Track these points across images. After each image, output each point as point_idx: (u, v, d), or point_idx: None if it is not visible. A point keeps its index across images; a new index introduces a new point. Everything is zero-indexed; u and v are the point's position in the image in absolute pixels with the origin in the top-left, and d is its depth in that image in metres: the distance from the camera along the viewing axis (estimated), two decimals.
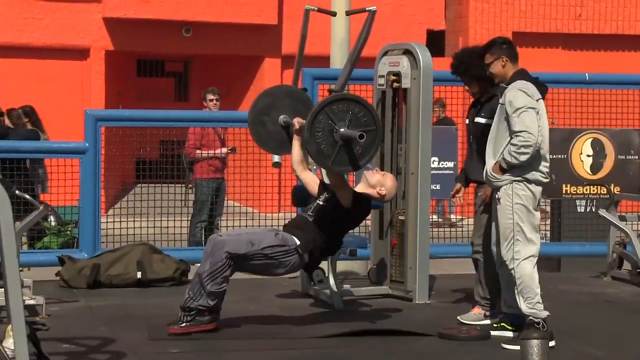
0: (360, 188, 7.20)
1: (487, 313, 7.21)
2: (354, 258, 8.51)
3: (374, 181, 7.17)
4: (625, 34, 17.38)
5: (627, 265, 9.28)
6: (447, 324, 7.05)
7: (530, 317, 6.38)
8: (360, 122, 6.72)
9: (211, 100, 11.24)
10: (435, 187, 10.24)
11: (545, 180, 6.52)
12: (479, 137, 7.32)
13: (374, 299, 8.14)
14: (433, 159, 9.56)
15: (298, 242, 6.81)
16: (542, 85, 6.62)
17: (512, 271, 6.45)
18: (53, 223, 10.86)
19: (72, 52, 16.20)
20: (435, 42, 16.94)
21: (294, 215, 8.28)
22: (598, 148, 10.39)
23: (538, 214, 6.55)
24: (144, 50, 16.82)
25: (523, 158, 6.35)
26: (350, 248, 7.81)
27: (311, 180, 7.29)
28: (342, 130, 6.65)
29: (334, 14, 9.07)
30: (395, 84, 8.17)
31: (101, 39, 16.16)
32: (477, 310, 7.31)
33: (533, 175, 6.45)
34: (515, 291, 6.48)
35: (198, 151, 10.82)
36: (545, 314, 6.40)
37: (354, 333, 6.76)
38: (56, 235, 10.74)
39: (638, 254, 8.79)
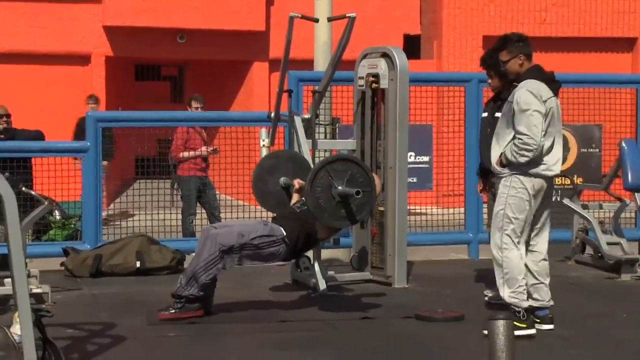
0: None
1: None
2: (338, 246, 8.50)
3: None
4: (586, 37, 17.40)
5: (589, 250, 9.29)
6: (424, 307, 7.04)
7: (512, 306, 6.21)
8: (357, 182, 6.68)
9: (196, 108, 11.04)
10: (412, 179, 10.25)
11: (549, 173, 6.22)
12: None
13: (356, 284, 8.13)
14: (410, 153, 9.56)
15: (285, 233, 6.79)
16: (555, 82, 6.30)
17: (500, 260, 6.24)
18: (58, 217, 10.82)
19: (75, 58, 16.11)
20: (412, 46, 16.91)
21: None
22: (562, 142, 10.38)
23: (545, 210, 6.26)
24: (141, 56, 16.74)
25: (522, 160, 6.12)
26: (333, 237, 7.79)
27: None
28: (339, 188, 6.64)
29: (316, 21, 9.04)
30: (374, 85, 8.14)
31: (101, 46, 16.07)
32: None
33: (534, 168, 6.18)
34: (500, 280, 6.26)
35: (182, 153, 10.73)
36: (526, 304, 6.20)
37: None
38: (61, 229, 10.70)
39: (599, 240, 8.81)
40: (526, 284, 6.25)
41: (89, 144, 9.14)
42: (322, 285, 7.69)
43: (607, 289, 8.15)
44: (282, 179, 7.52)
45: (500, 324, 4.79)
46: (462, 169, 10.06)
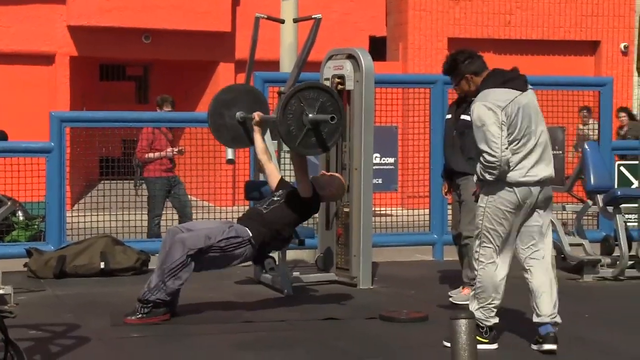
0: None
1: None
2: (303, 247, 8.50)
3: (323, 183, 7.16)
4: (550, 40, 17.56)
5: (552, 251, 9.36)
6: (388, 308, 7.07)
7: (477, 320, 5.88)
8: (327, 110, 6.80)
9: (167, 111, 10.91)
10: (377, 181, 10.29)
11: (530, 179, 5.82)
12: (463, 133, 7.36)
13: (321, 285, 8.15)
14: (375, 155, 9.59)
15: (251, 234, 6.79)
16: (516, 80, 5.90)
17: (475, 272, 5.99)
18: (21, 218, 10.74)
19: (39, 58, 16.01)
20: (377, 47, 16.97)
21: (247, 208, 8.27)
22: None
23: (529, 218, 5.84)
24: (106, 56, 16.66)
25: (489, 177, 5.79)
26: (299, 238, 7.80)
27: (273, 173, 7.28)
28: (310, 115, 6.69)
29: (282, 22, 9.06)
30: (339, 86, 8.17)
31: (66, 46, 15.98)
32: (467, 291, 7.36)
33: (508, 177, 5.81)
34: (473, 292, 6.03)
35: (147, 154, 10.64)
36: (492, 322, 5.93)
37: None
38: (24, 229, 10.63)
39: (562, 241, 8.88)
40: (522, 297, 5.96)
41: (52, 144, 9.09)
42: (287, 286, 7.69)
43: (569, 290, 8.22)
44: (239, 113, 7.54)
45: (462, 323, 4.81)
46: (427, 170, 10.11)
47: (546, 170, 5.91)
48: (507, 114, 5.79)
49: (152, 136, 10.61)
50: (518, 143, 5.83)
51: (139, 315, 6.58)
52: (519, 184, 5.84)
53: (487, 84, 5.96)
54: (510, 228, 5.93)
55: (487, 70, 6.08)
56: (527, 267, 6.00)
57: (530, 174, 5.85)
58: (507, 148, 5.76)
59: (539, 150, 5.89)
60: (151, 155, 10.62)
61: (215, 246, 6.66)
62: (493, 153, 5.73)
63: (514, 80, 5.91)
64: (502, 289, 5.96)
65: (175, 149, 10.74)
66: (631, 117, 15.94)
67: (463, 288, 7.46)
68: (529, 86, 5.98)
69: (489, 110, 5.77)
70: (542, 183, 5.90)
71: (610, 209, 8.85)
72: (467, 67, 6.12)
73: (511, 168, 5.82)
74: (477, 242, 6.00)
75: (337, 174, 7.52)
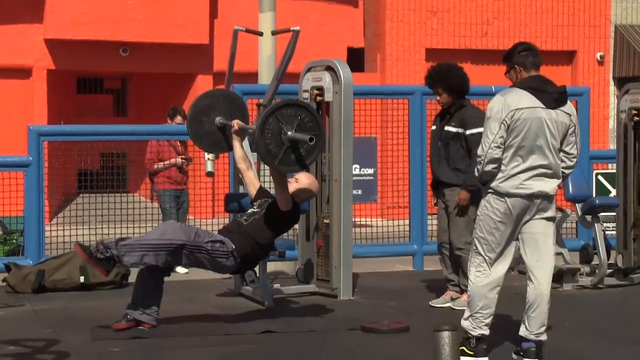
0: None
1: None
2: (283, 259, 8.50)
3: (292, 191, 7.14)
4: None
5: None
6: (369, 319, 7.07)
7: (466, 329, 5.87)
8: (306, 127, 6.75)
9: (179, 122, 10.64)
10: (357, 192, 10.30)
11: (519, 191, 5.73)
12: (447, 144, 7.44)
13: (302, 296, 8.14)
14: (354, 166, 9.61)
15: (233, 246, 6.77)
16: (545, 94, 5.77)
17: (468, 279, 5.98)
18: None
19: (16, 71, 15.93)
20: (355, 58, 17.00)
21: (227, 220, 8.26)
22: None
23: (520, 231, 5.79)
24: (83, 69, 16.60)
25: (475, 172, 5.88)
26: (279, 250, 7.80)
27: (252, 182, 7.27)
28: (289, 133, 6.67)
29: (260, 34, 9.07)
30: (318, 98, 8.19)
31: (43, 59, 15.91)
32: (465, 297, 7.39)
33: (499, 186, 5.77)
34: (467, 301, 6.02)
35: (156, 164, 10.35)
36: (477, 332, 5.85)
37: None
38: (2, 244, 10.57)
39: None
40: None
41: (31, 158, 9.05)
42: (268, 298, 7.69)
43: None
44: (218, 119, 7.49)
45: (445, 335, 4.83)
46: (407, 180, 10.14)
47: (544, 185, 5.80)
48: (515, 117, 5.72)
49: (158, 148, 10.32)
50: (517, 152, 5.74)
51: (91, 255, 6.51)
52: (510, 195, 5.76)
53: (520, 83, 5.89)
54: (503, 239, 5.85)
55: (535, 72, 5.92)
56: (530, 277, 5.92)
57: (523, 185, 5.75)
58: (497, 147, 5.71)
59: (543, 169, 5.79)
60: (158, 165, 10.31)
61: (202, 247, 6.62)
62: (483, 146, 5.75)
63: (542, 92, 5.79)
64: (493, 300, 5.90)
65: (182, 158, 10.35)
66: None
67: (461, 295, 7.54)
68: (567, 109, 5.84)
69: (499, 104, 5.75)
70: (535, 196, 5.79)
71: (588, 217, 8.89)
72: (519, 58, 5.94)
73: (505, 178, 5.75)
74: (472, 249, 5.99)
75: (301, 173, 7.30)
